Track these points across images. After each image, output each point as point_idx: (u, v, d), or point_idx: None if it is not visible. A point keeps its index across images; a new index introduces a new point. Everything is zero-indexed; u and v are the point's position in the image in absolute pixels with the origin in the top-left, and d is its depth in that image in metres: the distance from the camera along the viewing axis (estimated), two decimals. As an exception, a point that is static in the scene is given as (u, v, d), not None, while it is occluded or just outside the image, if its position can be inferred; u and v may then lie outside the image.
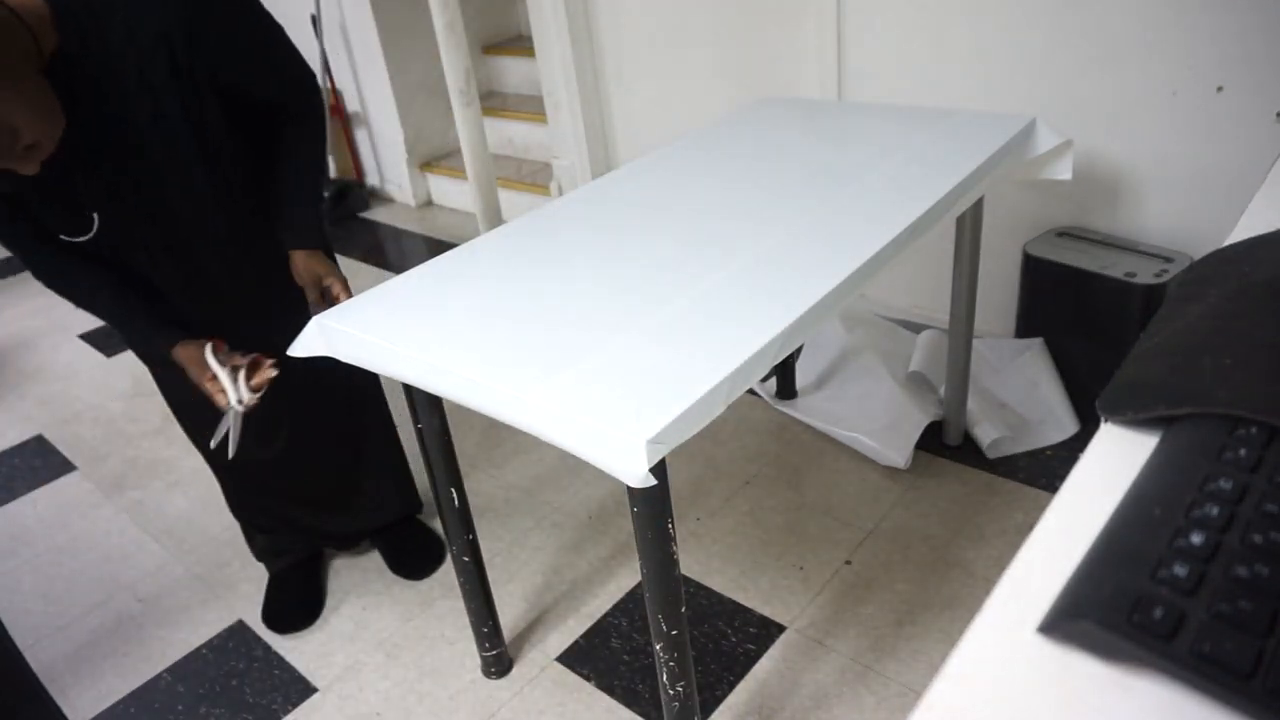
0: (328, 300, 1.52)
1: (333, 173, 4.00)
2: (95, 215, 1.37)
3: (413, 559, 1.98)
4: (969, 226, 1.81)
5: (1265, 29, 1.78)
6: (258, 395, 1.44)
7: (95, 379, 2.99)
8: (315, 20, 3.69)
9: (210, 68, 1.32)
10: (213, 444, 1.46)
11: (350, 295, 1.49)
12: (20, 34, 1.14)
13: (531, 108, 3.61)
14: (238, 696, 1.73)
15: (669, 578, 1.16)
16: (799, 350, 2.30)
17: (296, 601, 1.93)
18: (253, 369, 1.45)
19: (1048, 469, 1.99)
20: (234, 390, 1.41)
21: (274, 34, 1.42)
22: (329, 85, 3.85)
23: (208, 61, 1.31)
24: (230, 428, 1.44)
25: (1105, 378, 0.61)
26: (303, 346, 1.33)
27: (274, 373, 1.45)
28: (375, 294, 1.35)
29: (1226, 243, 0.75)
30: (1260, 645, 0.38)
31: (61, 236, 1.38)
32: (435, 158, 4.01)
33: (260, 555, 1.98)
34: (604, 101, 3.14)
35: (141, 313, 1.48)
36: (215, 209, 1.47)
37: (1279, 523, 0.44)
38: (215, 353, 1.42)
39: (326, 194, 3.94)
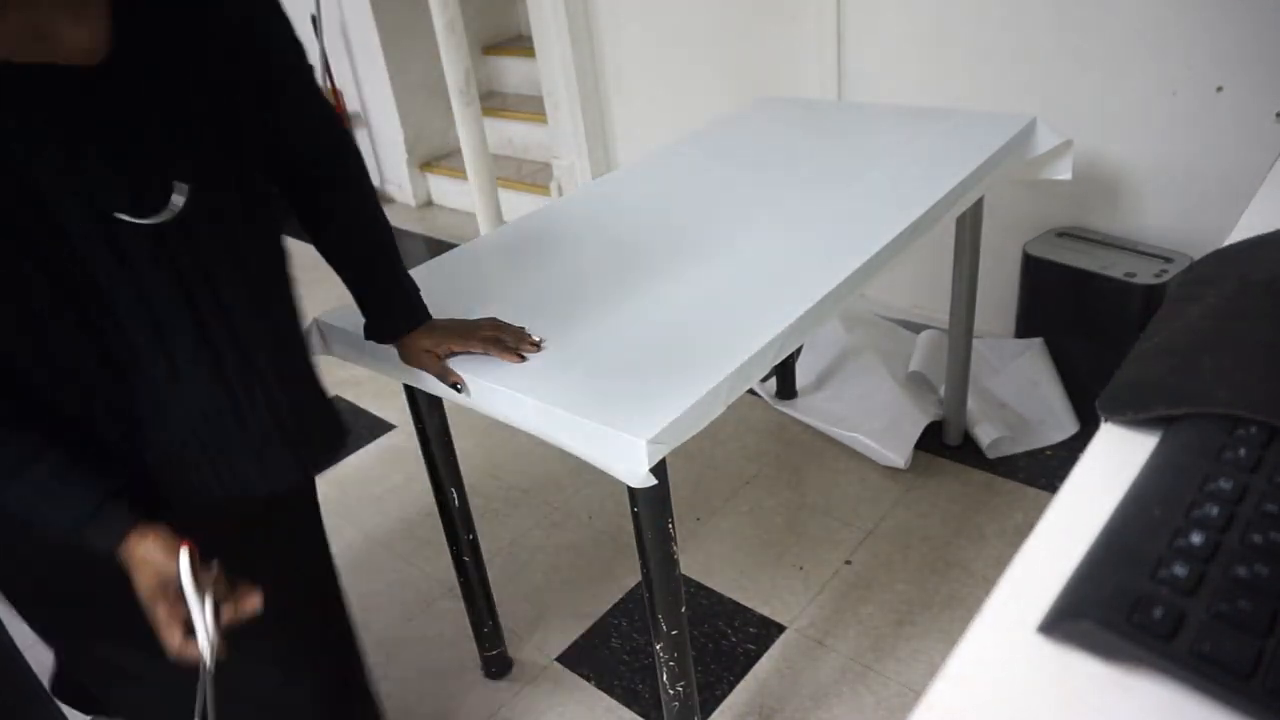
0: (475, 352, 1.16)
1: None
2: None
3: None
4: (969, 226, 1.81)
5: (1265, 29, 1.78)
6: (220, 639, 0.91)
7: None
8: (315, 20, 3.69)
9: (261, 86, 0.98)
10: None
11: (507, 343, 1.15)
12: None
13: (531, 108, 3.61)
14: (238, 696, 1.73)
15: (669, 578, 1.16)
16: (799, 350, 2.30)
17: None
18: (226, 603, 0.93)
19: (1048, 469, 1.99)
20: (204, 631, 0.88)
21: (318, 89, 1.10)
22: (329, 85, 3.85)
23: (259, 81, 0.98)
24: (207, 695, 0.90)
25: (1105, 378, 0.61)
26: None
27: (257, 607, 0.93)
28: (375, 294, 1.35)
29: (1226, 243, 0.75)
30: (1260, 645, 0.38)
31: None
32: (435, 158, 4.01)
33: None
34: (604, 101, 3.13)
35: (78, 469, 0.89)
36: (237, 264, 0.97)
37: (1279, 523, 0.44)
38: (192, 565, 0.89)
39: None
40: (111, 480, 0.91)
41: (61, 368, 0.89)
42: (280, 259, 1.06)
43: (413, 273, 1.38)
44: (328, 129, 1.11)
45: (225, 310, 0.95)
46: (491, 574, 1.61)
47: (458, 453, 1.47)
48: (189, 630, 0.89)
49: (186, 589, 0.88)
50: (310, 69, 1.06)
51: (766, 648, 1.66)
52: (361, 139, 4.12)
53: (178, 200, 0.87)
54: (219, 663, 0.89)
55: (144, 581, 0.90)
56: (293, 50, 1.03)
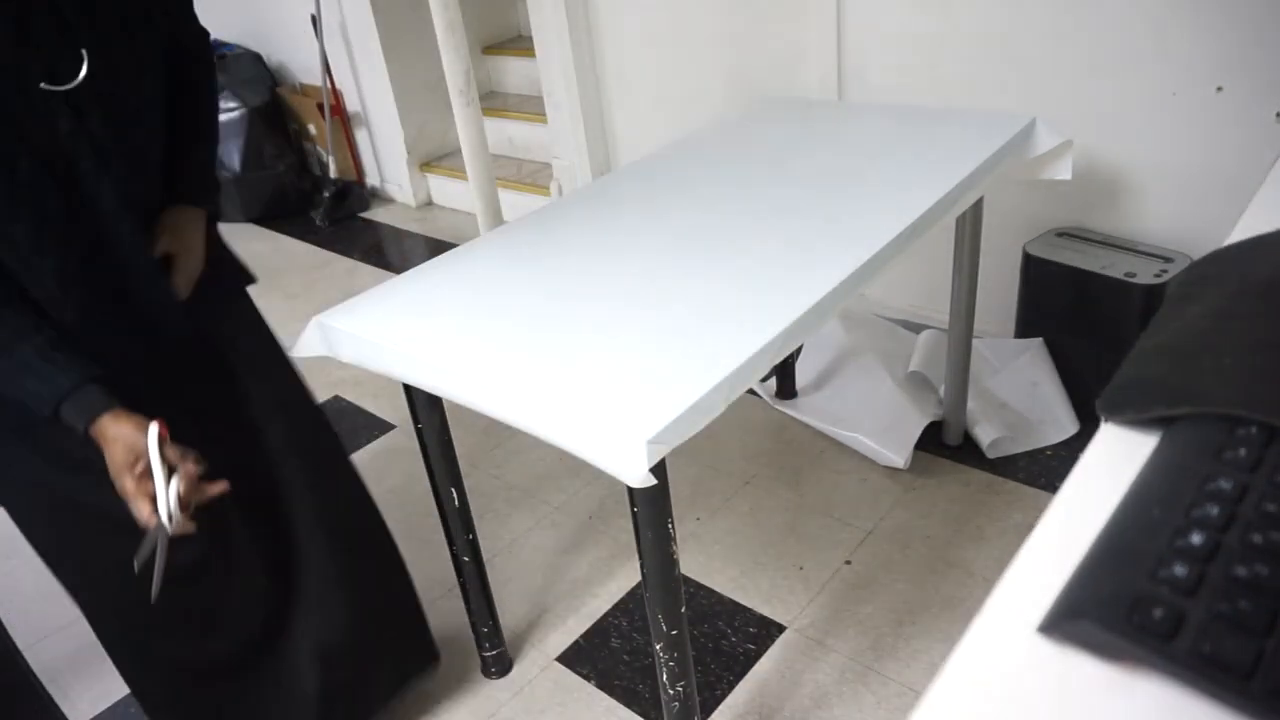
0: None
1: (333, 173, 4.00)
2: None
3: None
4: (969, 226, 1.81)
5: (1265, 29, 1.78)
6: (186, 516, 1.02)
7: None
8: (315, 20, 3.69)
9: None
10: (136, 566, 1.01)
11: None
12: None
13: (531, 108, 3.61)
14: (238, 696, 1.73)
15: (669, 578, 1.16)
16: (799, 350, 2.30)
17: None
18: (190, 481, 1.03)
19: (1048, 469, 1.99)
20: (165, 500, 0.99)
21: None
22: (329, 85, 3.85)
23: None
24: (157, 552, 1.01)
25: (1105, 378, 0.61)
26: (303, 348, 1.33)
27: (217, 490, 1.06)
28: (376, 294, 1.35)
29: (1226, 243, 0.74)
30: (1260, 645, 0.38)
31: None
32: (435, 158, 4.01)
33: None
34: (604, 101, 3.13)
35: (63, 353, 1.01)
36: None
37: (1279, 523, 0.44)
38: (160, 441, 1.00)
39: (326, 193, 3.93)
40: (93, 367, 1.01)
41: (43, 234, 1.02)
42: (160, 136, 1.17)
43: (412, 272, 1.39)
44: (198, 25, 1.24)
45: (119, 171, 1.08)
46: (491, 574, 1.61)
47: (457, 453, 1.47)
48: (156, 504, 0.99)
49: (152, 457, 0.98)
50: None
51: (766, 648, 1.66)
52: (362, 139, 4.12)
53: (83, 67, 0.99)
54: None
55: (114, 456, 1.00)
56: None
